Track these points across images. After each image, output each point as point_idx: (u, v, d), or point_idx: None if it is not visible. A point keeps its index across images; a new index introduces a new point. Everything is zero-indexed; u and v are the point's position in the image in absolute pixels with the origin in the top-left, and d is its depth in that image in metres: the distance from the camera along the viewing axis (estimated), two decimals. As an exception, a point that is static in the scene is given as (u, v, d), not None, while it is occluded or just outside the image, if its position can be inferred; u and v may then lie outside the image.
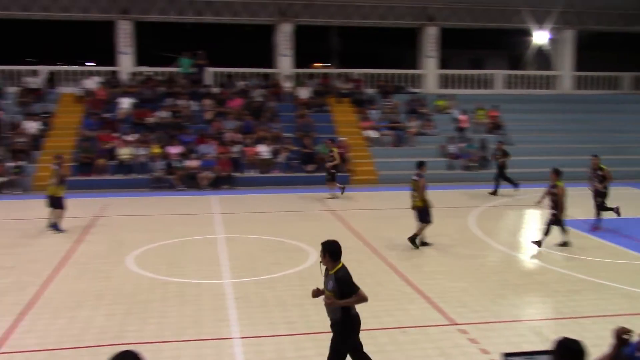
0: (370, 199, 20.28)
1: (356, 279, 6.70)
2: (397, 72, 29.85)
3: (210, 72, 27.58)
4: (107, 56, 28.28)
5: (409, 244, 13.28)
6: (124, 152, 22.25)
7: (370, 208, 18.79)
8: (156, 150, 22.24)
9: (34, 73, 26.11)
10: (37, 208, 16.89)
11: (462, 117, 26.16)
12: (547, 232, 13.21)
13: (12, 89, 25.59)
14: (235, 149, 22.98)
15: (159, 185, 21.42)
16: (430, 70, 29.61)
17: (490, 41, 35.56)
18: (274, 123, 24.67)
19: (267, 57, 30.87)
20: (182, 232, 14.87)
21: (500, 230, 15.93)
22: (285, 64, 28.12)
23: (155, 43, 35.34)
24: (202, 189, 21.11)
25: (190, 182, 21.46)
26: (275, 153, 23.37)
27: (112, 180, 21.59)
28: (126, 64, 26.90)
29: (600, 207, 15.30)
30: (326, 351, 6.79)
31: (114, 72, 26.90)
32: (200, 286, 10.77)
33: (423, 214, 13.30)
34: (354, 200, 19.76)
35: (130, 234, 14.67)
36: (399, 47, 36.78)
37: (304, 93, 26.89)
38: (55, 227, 14.82)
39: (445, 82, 29.92)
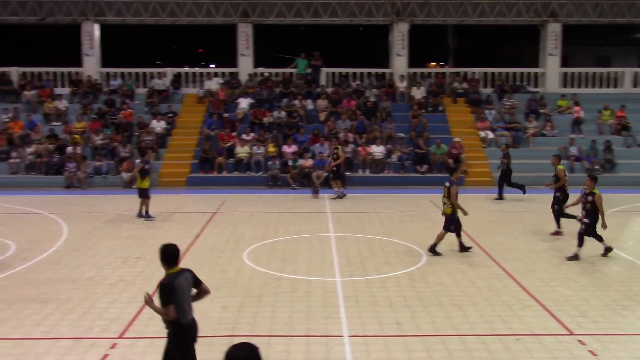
0: (485, 201, 19.76)
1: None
2: (515, 71, 28.85)
3: (325, 73, 27.97)
4: (228, 58, 29.39)
5: (430, 253, 12.80)
6: (242, 151, 23.05)
7: (484, 210, 18.31)
8: (272, 149, 22.86)
9: (161, 75, 27.61)
10: (161, 202, 17.89)
11: (576, 107, 25.09)
12: (582, 243, 12.46)
13: (141, 91, 27.23)
14: (348, 148, 23.15)
15: (275, 183, 22.02)
16: (551, 68, 28.35)
17: (617, 37, 33.58)
18: (387, 123, 24.63)
19: (381, 57, 30.88)
20: (295, 230, 15.20)
21: (626, 238, 15.01)
22: (399, 63, 27.98)
23: (272, 45, 36.35)
24: (315, 188, 21.44)
25: (304, 180, 21.90)
26: (388, 153, 23.33)
27: (230, 178, 22.44)
28: (245, 66, 27.83)
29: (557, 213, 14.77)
30: (437, 355, 6.72)
31: (233, 74, 27.93)
32: (311, 283, 10.96)
33: (449, 222, 12.83)
34: (467, 203, 19.30)
35: (246, 230, 15.18)
36: (518, 45, 35.60)
37: (419, 93, 26.63)
38: (146, 215, 16.16)
39: (567, 80, 28.55)
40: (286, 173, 22.19)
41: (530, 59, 30.18)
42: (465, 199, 19.58)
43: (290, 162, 22.48)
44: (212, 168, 22.90)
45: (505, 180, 19.87)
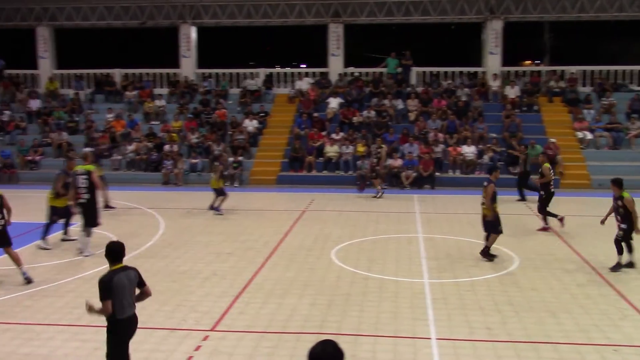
0: (582, 204, 18.98)
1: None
2: (617, 69, 27.48)
3: (415, 72, 27.72)
4: (319, 58, 29.69)
5: (483, 257, 12.33)
6: (331, 150, 23.22)
7: (581, 214, 17.58)
8: (361, 148, 22.89)
9: (254, 75, 28.24)
10: (252, 200, 18.32)
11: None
12: (622, 251, 11.66)
13: (234, 91, 27.98)
14: (439, 148, 22.85)
15: (363, 182, 22.01)
16: (657, 65, 26.84)
17: None
18: (479, 123, 24.11)
19: (473, 56, 30.23)
20: (383, 230, 15.17)
21: None
22: (493, 62, 27.32)
23: (363, 44, 36.36)
24: (404, 188, 21.32)
25: (393, 180, 21.80)
26: (480, 154, 22.83)
27: (319, 177, 22.66)
28: (336, 66, 28.02)
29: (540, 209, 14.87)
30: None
31: (324, 74, 28.17)
32: (399, 284, 10.91)
33: (489, 225, 12.34)
34: (563, 206, 18.62)
35: (334, 229, 15.28)
36: (620, 41, 33.88)
37: (512, 92, 25.90)
38: (216, 209, 16.87)
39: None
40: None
41: (633, 55, 28.63)
42: (561, 202, 18.95)
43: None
44: (302, 167, 23.21)
45: (523, 182, 19.66)
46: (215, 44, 34.02)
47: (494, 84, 26.56)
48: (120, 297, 6.40)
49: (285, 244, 13.86)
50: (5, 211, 11.28)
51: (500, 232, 12.46)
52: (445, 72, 27.93)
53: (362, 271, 11.66)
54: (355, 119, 24.99)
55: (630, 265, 11.75)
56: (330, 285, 10.79)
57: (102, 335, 8.56)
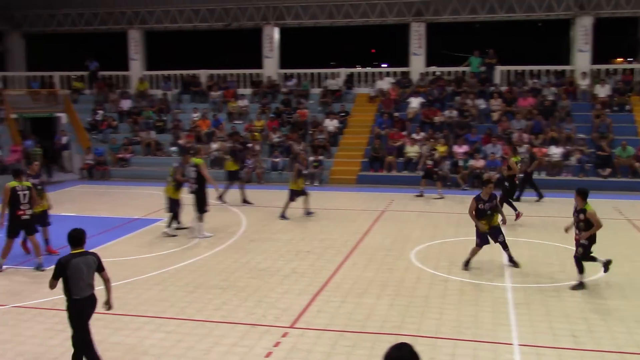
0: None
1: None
2: None
3: (499, 71, 27.06)
4: (400, 57, 29.50)
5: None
6: (412, 150, 23.03)
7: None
8: (442, 149, 22.58)
9: (335, 75, 28.39)
10: (332, 199, 18.42)
11: None
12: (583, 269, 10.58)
13: (315, 90, 28.22)
14: (523, 149, 22.19)
15: (444, 183, 21.71)
16: None
17: None
18: (566, 123, 23.27)
19: (560, 54, 29.21)
20: (464, 232, 14.89)
21: None
22: (582, 60, 26.30)
23: (445, 43, 35.83)
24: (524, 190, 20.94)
25: (474, 181, 21.37)
26: (567, 155, 22.03)
27: (399, 177, 22.51)
28: (417, 65, 27.75)
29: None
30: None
31: (405, 73, 27.96)
32: (480, 287, 10.70)
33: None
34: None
35: (414, 229, 15.16)
36: None
37: (603, 91, 24.85)
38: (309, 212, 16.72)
39: None
40: (456, 173, 21.81)
41: None
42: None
43: (460, 163, 22.08)
44: (382, 167, 23.14)
45: (527, 181, 19.40)
46: (297, 44, 34.42)
47: (583, 83, 25.56)
48: (76, 279, 7.06)
49: (364, 243, 13.86)
50: (32, 202, 12.07)
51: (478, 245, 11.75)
52: (531, 71, 27.10)
53: (442, 273, 11.51)
54: (436, 119, 24.68)
55: (607, 264, 10.64)
56: (409, 287, 10.72)
57: (186, 328, 8.89)
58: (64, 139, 26.18)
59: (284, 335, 8.63)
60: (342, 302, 9.97)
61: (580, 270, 10.61)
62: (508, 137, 22.95)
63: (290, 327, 8.93)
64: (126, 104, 28.43)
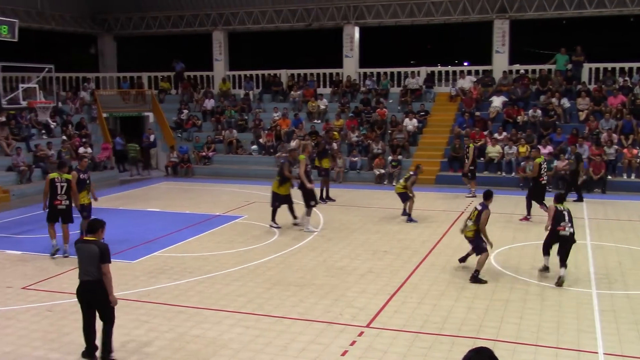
0: None
1: None
2: None
3: (587, 68, 26.01)
4: (482, 56, 28.89)
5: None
6: (493, 150, 22.52)
7: None
8: (523, 149, 21.95)
9: (414, 74, 28.12)
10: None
11: None
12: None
13: (395, 90, 28.06)
14: (611, 150, 21.29)
15: (527, 184, 21.09)
16: None
17: None
18: (659, 123, 22.13)
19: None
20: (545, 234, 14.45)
21: None
22: (678, 56, 24.92)
23: (530, 40, 34.81)
24: (571, 191, 20.11)
25: (559, 182, 20.63)
26: (660, 156, 20.96)
27: (479, 177, 21.94)
28: (500, 63, 27.07)
29: None
30: None
31: (487, 71, 27.36)
32: (564, 292, 10.36)
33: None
34: None
35: (495, 231, 14.78)
36: None
37: (701, 89, 23.47)
38: (408, 217, 16.18)
39: None
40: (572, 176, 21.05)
41: None
42: None
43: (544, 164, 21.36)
44: (462, 167, 22.71)
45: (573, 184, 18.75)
46: (377, 43, 34.32)
47: (681, 80, 24.22)
48: (79, 262, 7.72)
49: (442, 244, 13.69)
50: (71, 193, 12.84)
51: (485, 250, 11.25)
52: (622, 68, 25.90)
53: (523, 277, 11.22)
54: (519, 118, 24.02)
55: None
56: (489, 290, 10.50)
57: (264, 323, 9.06)
58: (151, 138, 27.21)
59: (360, 334, 8.65)
60: (419, 303, 9.89)
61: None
62: (596, 137, 22.06)
63: (367, 326, 8.94)
64: (210, 104, 29.21)
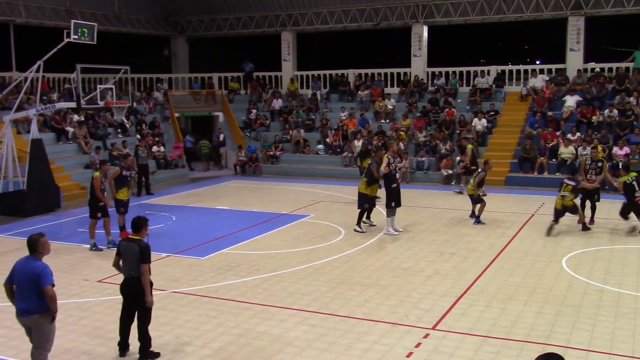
0: None
1: None
2: None
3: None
4: (555, 54, 28.06)
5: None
6: (566, 151, 21.84)
7: None
8: (599, 150, 21.16)
9: (484, 73, 27.59)
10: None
11: None
12: None
13: (464, 89, 27.61)
14: (695, 152, 20.28)
15: (602, 187, 20.37)
16: None
17: None
18: None
19: None
20: (622, 239, 13.94)
21: None
22: None
23: (607, 37, 33.57)
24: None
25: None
26: None
27: (551, 179, 21.36)
28: (574, 61, 26.21)
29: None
30: None
31: (560, 70, 26.56)
32: (637, 299, 9.94)
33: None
34: None
35: (566, 235, 14.37)
36: None
37: None
38: (476, 219, 15.81)
39: None
40: (616, 177, 20.33)
41: None
42: None
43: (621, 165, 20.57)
44: (533, 168, 22.17)
45: None
46: (446, 42, 33.87)
47: None
48: (123, 260, 7.90)
49: (511, 247, 13.39)
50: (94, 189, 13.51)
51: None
52: None
53: (596, 282, 10.84)
54: (594, 118, 23.21)
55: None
56: (560, 295, 10.20)
57: (329, 322, 9.10)
58: (221, 137, 27.78)
59: (426, 336, 8.57)
60: (487, 306, 9.71)
61: None
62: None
63: (432, 328, 8.85)
64: (278, 104, 29.56)
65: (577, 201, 14.65)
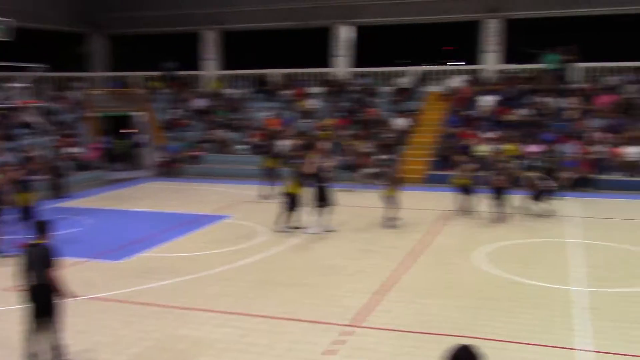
0: None
1: None
2: None
3: (578, 68, 26.05)
4: (473, 55, 28.89)
5: None
6: (481, 149, 22.51)
7: None
8: (512, 148, 21.95)
9: (405, 74, 28.08)
10: (402, 198, 18.20)
11: None
12: None
13: (385, 89, 28.01)
14: (600, 149, 21.33)
15: (515, 183, 21.11)
16: None
17: None
18: (648, 122, 22.19)
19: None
20: (538, 233, 14.48)
21: None
22: (666, 55, 25.00)
23: (521, 39, 34.81)
24: (561, 190, 20.17)
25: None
26: (647, 155, 21.03)
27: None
28: (491, 62, 27.09)
29: None
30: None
31: (478, 71, 27.36)
32: (553, 291, 10.33)
33: None
34: None
35: (484, 230, 14.81)
36: None
37: (689, 88, 23.56)
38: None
39: None
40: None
41: None
42: None
43: (533, 162, 21.37)
44: (452, 166, 22.71)
45: None
46: (368, 42, 34.24)
47: (669, 80, 24.32)
48: (27, 266, 7.41)
49: (432, 244, 13.65)
50: None
51: None
52: (612, 68, 25.97)
53: (512, 275, 11.19)
54: (510, 118, 24.03)
55: None
56: (477, 289, 10.47)
57: (251, 323, 8.98)
58: (142, 137, 27.08)
59: (348, 333, 8.58)
60: (408, 302, 9.84)
61: None
62: (586, 135, 22.11)
63: (355, 325, 8.87)
64: (200, 103, 29.09)
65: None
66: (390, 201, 15.59)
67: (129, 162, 26.59)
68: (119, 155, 26.83)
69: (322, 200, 14.72)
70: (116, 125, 29.58)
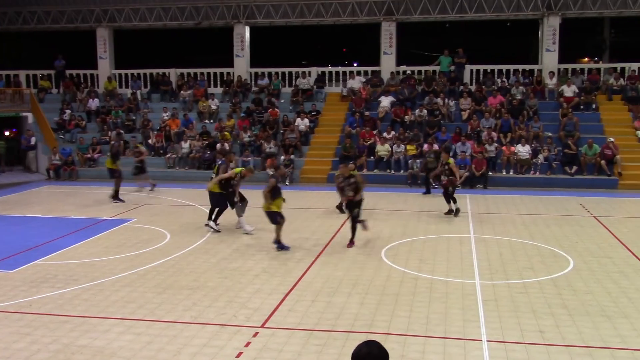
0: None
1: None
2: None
3: (469, 70, 27.32)
4: (371, 57, 29.62)
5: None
6: (382, 149, 23.12)
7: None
8: (410, 147, 22.69)
9: (305, 75, 28.34)
10: (303, 198, 18.37)
11: None
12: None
13: (287, 90, 28.16)
14: (492, 148, 22.47)
15: (414, 182, 21.88)
16: None
17: None
18: (534, 122, 23.59)
19: (529, 53, 29.59)
20: (434, 230, 15.04)
21: None
22: (549, 59, 26.68)
23: (415, 42, 36.07)
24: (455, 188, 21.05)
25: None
26: (535, 153, 22.35)
27: (370, 176, 22.42)
28: (388, 64, 27.86)
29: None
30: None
31: (376, 72, 28.06)
32: (450, 284, 10.79)
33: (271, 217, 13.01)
34: (623, 206, 18.12)
35: (384, 228, 15.22)
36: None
37: (569, 90, 25.24)
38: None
39: None
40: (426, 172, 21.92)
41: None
42: (620, 203, 18.44)
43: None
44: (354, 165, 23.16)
45: None
46: (268, 43, 34.32)
47: (551, 82, 25.97)
48: None
49: (335, 242, 13.88)
50: None
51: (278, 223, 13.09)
52: (500, 70, 27.43)
53: (412, 271, 11.58)
54: (407, 118, 24.82)
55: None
56: (380, 285, 10.76)
57: (156, 329, 8.79)
58: (31, 140, 25.74)
59: (255, 335, 8.59)
60: (313, 301, 9.96)
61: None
62: (478, 135, 23.20)
63: (261, 326, 8.89)
64: (94, 104, 28.05)
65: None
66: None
67: (16, 166, 25.20)
68: (2, 157, 25.43)
69: (233, 201, 14.96)
70: (3, 126, 27.99)
